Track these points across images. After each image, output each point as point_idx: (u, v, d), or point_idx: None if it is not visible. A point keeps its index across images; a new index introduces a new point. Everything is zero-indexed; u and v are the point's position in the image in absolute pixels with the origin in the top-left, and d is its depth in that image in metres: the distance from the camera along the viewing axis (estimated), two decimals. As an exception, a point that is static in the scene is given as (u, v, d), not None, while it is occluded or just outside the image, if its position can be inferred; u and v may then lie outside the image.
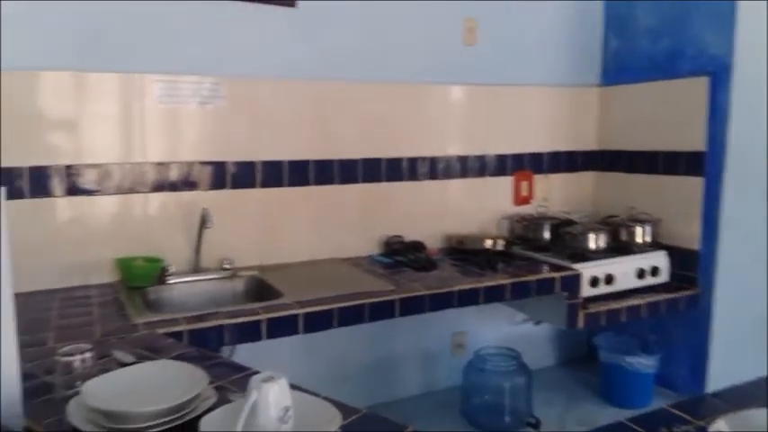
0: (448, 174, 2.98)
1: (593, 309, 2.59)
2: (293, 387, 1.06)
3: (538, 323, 3.10)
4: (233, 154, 2.50)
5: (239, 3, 2.43)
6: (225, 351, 2.14)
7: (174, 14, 2.33)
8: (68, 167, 2.22)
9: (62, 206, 2.23)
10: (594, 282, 2.63)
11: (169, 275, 2.30)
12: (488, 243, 2.75)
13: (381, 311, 2.15)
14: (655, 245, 2.86)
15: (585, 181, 3.38)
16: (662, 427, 1.11)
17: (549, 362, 3.38)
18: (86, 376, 1.20)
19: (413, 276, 2.44)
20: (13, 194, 2.12)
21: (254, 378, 1.01)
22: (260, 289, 2.33)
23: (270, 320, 1.95)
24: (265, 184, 2.57)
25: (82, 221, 2.26)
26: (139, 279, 2.24)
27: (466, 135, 3.02)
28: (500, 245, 2.76)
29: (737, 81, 2.67)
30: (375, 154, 2.78)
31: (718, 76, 2.71)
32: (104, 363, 1.38)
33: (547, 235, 2.92)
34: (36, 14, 2.12)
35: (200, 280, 2.36)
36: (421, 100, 2.88)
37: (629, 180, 3.16)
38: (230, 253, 2.45)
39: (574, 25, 3.22)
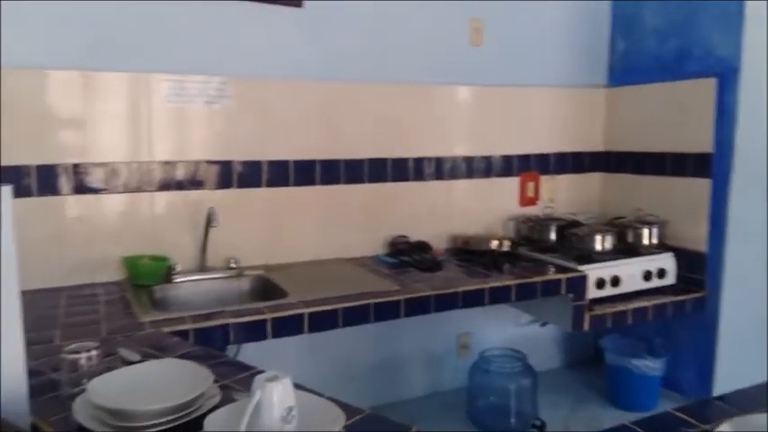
0: (454, 174, 2.98)
1: (599, 311, 2.58)
2: (297, 387, 1.06)
3: (543, 325, 3.10)
4: (239, 153, 2.50)
5: (247, 3, 2.44)
6: (230, 350, 2.15)
7: (182, 14, 2.34)
8: (76, 166, 2.24)
9: (69, 204, 2.24)
10: (601, 283, 2.62)
11: (175, 274, 2.31)
12: (494, 244, 2.74)
13: (386, 312, 2.15)
14: (661, 247, 2.85)
15: (592, 182, 3.37)
16: (666, 431, 1.11)
17: (554, 364, 3.37)
18: (92, 374, 1.20)
19: (418, 277, 2.44)
20: (21, 192, 2.13)
21: (258, 377, 1.01)
22: (265, 288, 2.33)
23: (275, 320, 1.95)
24: (271, 184, 2.57)
25: (89, 220, 2.27)
26: (146, 277, 2.25)
27: (472, 135, 3.02)
28: (506, 246, 2.75)
29: (745, 82, 2.66)
30: (381, 154, 2.78)
31: (726, 77, 2.70)
32: (110, 361, 1.39)
33: (553, 236, 2.91)
34: (45, 13, 2.13)
35: (207, 279, 2.37)
36: (427, 100, 2.88)
37: (636, 181, 3.15)
38: (236, 252, 2.46)
39: (581, 26, 3.21)
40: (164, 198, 2.39)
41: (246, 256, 2.49)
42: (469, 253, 2.76)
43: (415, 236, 2.82)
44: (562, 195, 3.27)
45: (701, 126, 2.80)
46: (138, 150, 2.33)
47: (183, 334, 1.78)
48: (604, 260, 2.67)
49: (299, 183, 2.62)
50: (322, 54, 2.62)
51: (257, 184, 2.55)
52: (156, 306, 2.11)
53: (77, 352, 1.24)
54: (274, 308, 2.00)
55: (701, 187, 2.81)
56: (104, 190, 2.29)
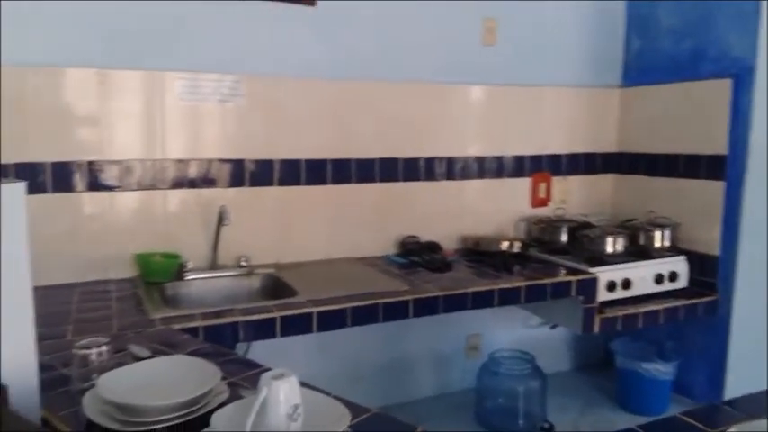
0: (465, 174, 2.98)
1: (609, 313, 2.57)
2: (304, 385, 1.07)
3: (554, 327, 3.09)
4: (252, 152, 2.52)
5: (260, 2, 2.46)
6: (240, 348, 2.17)
7: (196, 13, 2.36)
8: (90, 163, 2.26)
9: (83, 201, 2.27)
10: (611, 286, 2.61)
11: (187, 271, 2.33)
12: (505, 245, 2.74)
13: (395, 312, 2.15)
14: (674, 249, 2.83)
15: (604, 183, 3.35)
16: (673, 435, 1.11)
17: (564, 366, 3.36)
18: (102, 369, 1.22)
19: (427, 277, 2.44)
20: (36, 189, 2.16)
21: (265, 375, 1.02)
22: (275, 287, 2.35)
23: (284, 318, 1.96)
24: (283, 183, 2.58)
25: (102, 217, 2.30)
26: (158, 274, 2.27)
27: (484, 135, 3.01)
28: (516, 247, 2.75)
29: (760, 83, 2.63)
30: (392, 154, 2.79)
31: (741, 78, 2.67)
32: (120, 357, 1.41)
33: (564, 238, 2.90)
34: (61, 12, 2.16)
35: (217, 277, 2.38)
36: (439, 100, 2.88)
37: (649, 183, 3.13)
38: (247, 250, 2.48)
39: (595, 26, 3.20)
40: (176, 196, 2.41)
41: (257, 254, 2.51)
42: (480, 254, 2.76)
43: (425, 236, 2.82)
44: (574, 196, 3.26)
45: (715, 127, 2.77)
46: (151, 148, 2.35)
47: (193, 331, 1.80)
48: (616, 262, 2.66)
49: (310, 182, 2.63)
50: (334, 53, 2.62)
51: (269, 183, 2.56)
52: (168, 303, 2.13)
53: (88, 347, 1.26)
54: (283, 306, 2.01)
55: (714, 189, 2.78)
56: (118, 187, 2.31)
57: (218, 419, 1.03)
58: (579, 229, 2.86)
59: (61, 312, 1.89)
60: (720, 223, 2.77)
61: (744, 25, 2.66)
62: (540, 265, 2.70)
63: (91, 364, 1.24)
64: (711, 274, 2.80)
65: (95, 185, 2.27)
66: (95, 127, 2.26)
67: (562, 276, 2.53)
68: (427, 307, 2.22)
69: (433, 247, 2.76)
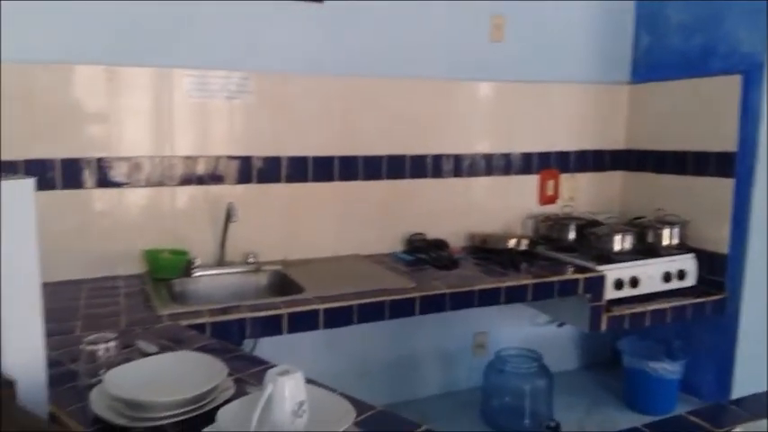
0: (473, 171, 2.97)
1: (616, 312, 2.56)
2: (309, 381, 1.08)
3: (561, 325, 3.08)
4: (259, 149, 2.53)
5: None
6: (247, 344, 2.18)
7: (204, 10, 2.37)
8: (99, 160, 2.27)
9: (92, 198, 2.28)
10: (619, 284, 2.60)
11: (194, 268, 2.34)
12: (512, 242, 2.73)
13: (401, 309, 2.15)
14: (682, 247, 2.81)
15: (613, 181, 3.33)
16: (679, 435, 1.10)
17: (571, 365, 3.35)
18: (110, 365, 1.23)
19: (434, 274, 2.44)
20: (45, 186, 2.18)
21: (270, 371, 1.02)
22: (283, 283, 2.35)
23: (291, 315, 1.97)
24: (290, 180, 2.59)
25: (111, 213, 2.31)
26: (166, 271, 2.28)
27: (492, 132, 3.01)
28: (524, 244, 2.74)
29: (771, 81, 2.62)
30: (399, 151, 2.79)
31: (751, 74, 2.65)
32: (128, 352, 1.42)
33: (572, 235, 2.89)
34: (70, 9, 2.17)
35: (225, 273, 2.39)
36: (447, 97, 2.87)
37: (658, 180, 3.11)
38: (255, 247, 2.48)
39: (603, 22, 3.18)
40: (184, 193, 2.42)
41: (265, 251, 2.51)
42: (487, 251, 2.76)
43: (432, 233, 2.82)
44: (582, 194, 3.24)
45: (724, 124, 2.76)
46: (160, 145, 2.37)
47: (201, 327, 1.81)
48: (623, 260, 2.65)
49: (317, 179, 2.64)
50: (342, 50, 2.62)
51: (276, 180, 2.57)
52: (175, 299, 2.14)
53: (96, 343, 1.27)
54: (290, 303, 2.02)
55: (723, 187, 2.76)
56: (127, 184, 2.33)
57: (223, 415, 1.04)
58: (587, 227, 2.86)
59: (70, 308, 1.90)
60: (729, 221, 2.75)
61: (753, 21, 2.64)
62: (548, 262, 2.69)
63: (98, 359, 1.25)
64: (720, 273, 2.78)
65: (104, 182, 2.29)
66: (104, 124, 2.27)
67: (569, 274, 2.52)
68: (434, 304, 2.22)
69: (439, 244, 2.76)
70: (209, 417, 1.05)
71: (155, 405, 1.10)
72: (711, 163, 2.82)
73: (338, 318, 2.05)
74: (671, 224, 2.82)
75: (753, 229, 2.69)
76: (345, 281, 2.27)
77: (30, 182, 1.04)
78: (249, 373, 1.35)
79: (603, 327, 2.55)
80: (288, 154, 2.57)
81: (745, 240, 2.71)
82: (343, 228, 2.72)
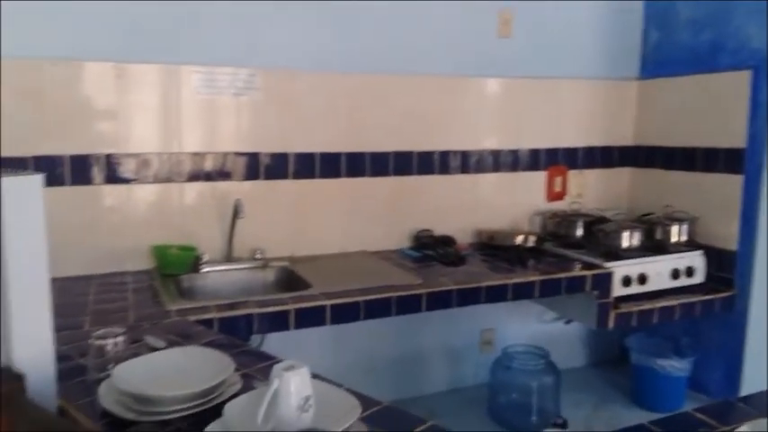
0: (480, 168, 2.97)
1: (624, 309, 2.55)
2: (315, 377, 1.08)
3: (568, 322, 3.07)
4: (267, 145, 2.53)
5: (275, -4, 2.47)
6: (255, 340, 2.19)
7: (211, 6, 2.37)
8: (108, 156, 2.29)
9: (101, 194, 2.30)
10: (627, 281, 2.59)
11: (202, 264, 2.35)
12: (519, 239, 2.73)
13: (408, 305, 2.16)
14: (691, 244, 2.80)
15: (621, 177, 3.32)
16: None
17: (579, 362, 3.34)
18: (118, 360, 1.24)
19: (441, 271, 2.44)
20: (54, 182, 2.20)
21: (277, 367, 1.03)
22: (290, 280, 2.36)
23: (297, 311, 1.98)
24: (297, 176, 2.60)
25: (120, 209, 2.33)
26: (174, 267, 2.29)
27: (499, 129, 3.00)
28: (531, 241, 2.73)
29: (780, 76, 2.60)
30: (406, 147, 2.79)
31: (761, 70, 2.64)
32: (136, 347, 1.43)
33: (579, 232, 2.88)
34: (80, 6, 2.18)
35: (233, 269, 2.40)
36: (454, 93, 2.87)
37: (667, 177, 3.09)
38: (262, 243, 2.49)
39: (612, 17, 3.16)
40: (192, 189, 2.44)
41: (272, 247, 2.52)
42: (494, 248, 2.76)
43: (439, 230, 2.82)
44: (590, 190, 3.23)
45: (733, 120, 2.74)
46: (168, 141, 2.38)
47: (208, 323, 1.82)
48: (631, 257, 2.64)
49: (324, 175, 2.64)
50: (349, 47, 2.62)
51: (283, 176, 2.57)
52: (183, 295, 2.15)
53: (104, 338, 1.28)
54: (297, 299, 2.03)
55: (732, 183, 2.75)
56: (135, 180, 2.34)
57: (230, 410, 1.05)
58: (595, 224, 2.85)
59: (79, 303, 1.92)
60: (738, 217, 2.73)
61: (763, 17, 2.61)
62: (555, 259, 2.69)
63: (107, 354, 1.26)
64: (729, 270, 2.77)
65: (113, 178, 2.30)
66: (113, 120, 2.29)
67: (577, 271, 2.51)
68: (441, 301, 2.22)
69: (446, 240, 2.76)
70: (217, 411, 1.06)
71: (162, 399, 1.11)
72: (720, 159, 2.80)
73: (345, 314, 2.05)
74: (679, 221, 2.81)
75: (762, 225, 2.67)
76: (352, 277, 2.28)
77: (38, 178, 1.05)
78: (256, 369, 1.36)
79: (611, 324, 2.54)
80: (295, 150, 2.58)
81: (754, 237, 2.69)
82: (351, 224, 2.72)
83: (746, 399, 1.24)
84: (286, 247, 2.57)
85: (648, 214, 2.98)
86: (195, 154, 2.42)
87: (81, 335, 1.56)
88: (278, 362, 1.09)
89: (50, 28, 2.16)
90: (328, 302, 2.02)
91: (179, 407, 1.11)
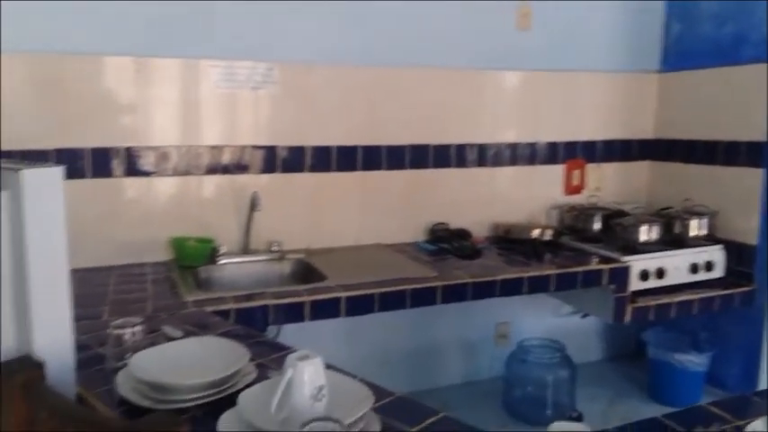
0: (497, 161, 2.95)
1: (641, 303, 2.53)
2: (329, 367, 1.09)
3: (585, 316, 3.06)
4: (284, 138, 2.55)
5: (292, -11, 2.47)
6: (271, 331, 2.21)
7: (230, 1, 2.38)
8: (128, 149, 2.32)
9: (121, 187, 2.33)
10: (644, 275, 2.57)
11: (220, 256, 2.38)
12: (536, 232, 2.71)
13: (423, 298, 2.16)
14: (710, 238, 2.77)
15: (640, 171, 3.28)
16: (698, 426, 1.09)
17: (595, 356, 3.32)
18: (136, 349, 1.26)
19: (457, 264, 2.44)
20: (75, 174, 2.23)
21: (291, 356, 1.04)
22: (306, 272, 2.38)
23: (313, 302, 1.99)
24: (314, 169, 2.61)
25: (139, 202, 2.36)
26: (191, 258, 2.32)
27: (517, 122, 2.98)
28: (548, 235, 2.72)
29: (803, 69, 2.55)
30: (423, 140, 2.78)
31: (783, 63, 2.60)
32: (154, 337, 1.45)
33: (597, 226, 2.86)
34: (100, 2, 2.20)
35: (249, 261, 2.43)
36: (471, 86, 2.85)
37: (686, 170, 3.06)
38: (279, 236, 2.51)
39: (632, 10, 3.12)
40: (211, 182, 2.46)
41: (288, 239, 2.54)
42: (510, 241, 2.75)
43: (455, 223, 2.82)
44: (608, 184, 3.21)
45: (755, 113, 2.70)
46: (187, 135, 2.40)
47: (225, 314, 1.84)
48: (649, 251, 2.62)
49: (340, 168, 2.65)
50: (365, 40, 2.62)
51: (300, 169, 2.59)
52: (201, 286, 2.18)
53: (123, 327, 1.30)
54: (312, 291, 2.04)
55: (753, 177, 2.71)
56: (154, 173, 2.37)
57: (245, 399, 1.06)
58: (613, 217, 2.83)
59: (98, 294, 1.95)
60: (759, 212, 2.70)
61: (787, 8, 2.57)
62: (572, 253, 2.67)
63: (125, 343, 1.28)
64: (748, 264, 2.73)
65: (133, 171, 2.33)
66: (133, 114, 2.32)
67: (593, 265, 2.50)
68: (456, 294, 2.22)
69: (462, 234, 2.75)
70: (231, 400, 1.07)
71: (178, 388, 1.13)
72: (741, 153, 2.76)
73: (360, 306, 2.07)
74: (699, 215, 2.78)
75: (783, 220, 2.64)
76: (367, 269, 2.29)
77: (58, 170, 1.07)
78: (271, 359, 1.37)
79: (628, 318, 2.52)
80: (311, 144, 2.59)
81: (775, 231, 2.65)
82: (366, 217, 2.73)
83: (762, 393, 1.23)
84: (302, 239, 2.59)
85: (667, 208, 2.94)
86: (213, 147, 2.44)
87: (100, 324, 1.58)
88: (292, 352, 1.10)
89: (73, 24, 2.19)
90: (343, 294, 2.04)
91: (194, 395, 1.13)
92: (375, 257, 2.54)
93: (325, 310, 2.02)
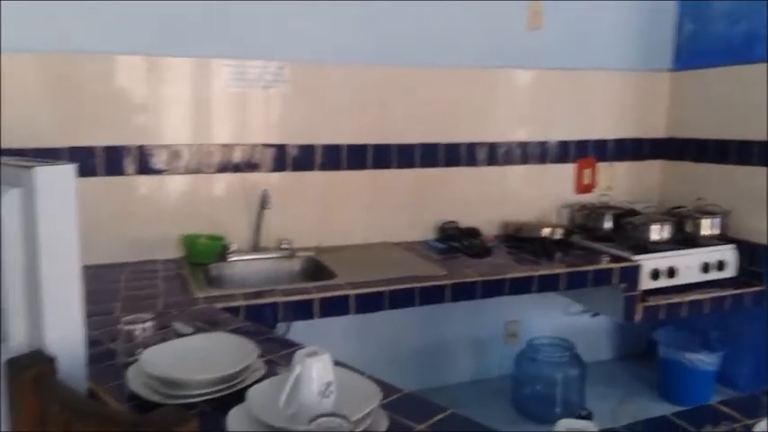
0: (508, 160, 2.95)
1: (652, 302, 2.52)
2: (337, 364, 1.10)
3: (595, 315, 3.05)
4: (294, 137, 2.56)
5: (302, -12, 2.48)
6: (280, 329, 2.22)
7: (241, 0, 2.39)
8: (140, 148, 2.34)
9: (133, 184, 2.35)
10: (655, 274, 2.55)
11: (230, 253, 2.39)
12: (546, 231, 2.71)
13: (432, 296, 2.17)
14: (722, 238, 2.75)
15: (652, 170, 3.26)
16: (707, 425, 1.09)
17: (605, 355, 3.31)
18: (147, 345, 1.28)
19: (466, 262, 2.44)
20: (88, 172, 2.25)
21: (299, 353, 1.05)
22: (315, 269, 2.39)
23: (322, 300, 2.00)
24: (324, 167, 2.62)
25: (151, 199, 2.38)
26: (202, 256, 2.34)
27: (528, 120, 2.97)
28: (558, 233, 2.71)
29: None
30: (433, 139, 2.78)
31: (797, 61, 2.57)
32: (164, 333, 1.46)
33: (608, 225, 2.85)
34: (112, 2, 2.22)
35: (259, 259, 2.44)
36: (482, 85, 2.85)
37: (698, 169, 3.04)
38: (289, 234, 2.52)
39: (644, 8, 3.10)
40: (221, 180, 2.47)
41: (298, 237, 2.55)
42: (520, 240, 2.74)
43: (465, 222, 2.82)
44: (620, 183, 3.19)
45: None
46: (198, 133, 2.42)
47: (235, 310, 1.86)
48: (660, 250, 2.60)
49: (351, 167, 2.66)
50: (376, 38, 2.63)
51: (311, 168, 2.60)
52: (211, 283, 2.20)
53: (134, 323, 1.32)
54: (322, 288, 2.05)
55: (765, 176, 2.68)
56: (166, 171, 2.39)
57: (253, 394, 1.07)
58: (624, 216, 2.81)
59: (110, 290, 1.97)
60: (772, 212, 2.67)
61: (802, 6, 2.55)
62: (583, 252, 2.66)
63: (136, 339, 1.30)
64: (760, 264, 2.71)
65: (145, 169, 2.35)
66: (145, 113, 2.34)
67: (604, 264, 2.49)
68: (465, 292, 2.22)
69: (472, 232, 2.75)
70: (240, 396, 1.09)
71: (188, 383, 1.14)
72: (754, 152, 2.74)
73: (369, 303, 2.07)
74: (711, 214, 2.76)
75: (796, 219, 2.61)
76: (377, 268, 2.30)
77: (70, 168, 1.08)
78: (280, 355, 1.39)
79: (638, 317, 2.51)
80: (322, 142, 2.60)
81: (788, 231, 2.63)
82: (376, 215, 2.74)
83: (771, 393, 1.22)
84: (312, 237, 2.60)
85: (679, 207, 2.93)
86: (225, 145, 2.46)
87: (111, 320, 1.60)
88: (301, 349, 1.11)
89: (86, 23, 2.21)
90: (353, 292, 2.04)
91: (204, 391, 1.14)
92: (384, 255, 2.54)
93: (335, 307, 2.03)
